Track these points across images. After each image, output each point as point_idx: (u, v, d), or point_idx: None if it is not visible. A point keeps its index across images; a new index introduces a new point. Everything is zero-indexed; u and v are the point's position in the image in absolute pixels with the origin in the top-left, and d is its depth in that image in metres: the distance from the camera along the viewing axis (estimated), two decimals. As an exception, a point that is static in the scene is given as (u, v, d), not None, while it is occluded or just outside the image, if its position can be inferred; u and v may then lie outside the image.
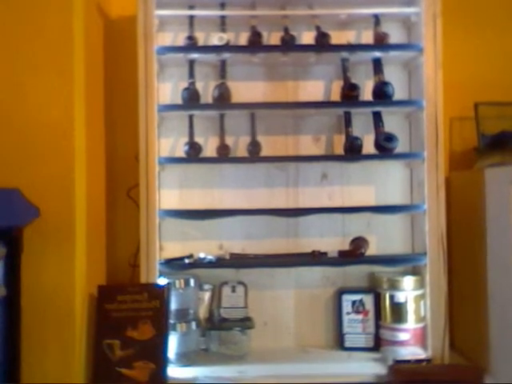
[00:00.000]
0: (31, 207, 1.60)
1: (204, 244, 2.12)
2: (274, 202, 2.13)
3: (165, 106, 2.04)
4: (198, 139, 2.09)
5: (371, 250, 2.09)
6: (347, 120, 2.09)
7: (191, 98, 2.03)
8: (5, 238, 1.54)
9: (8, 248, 1.55)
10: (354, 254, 1.98)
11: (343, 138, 2.11)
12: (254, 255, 2.07)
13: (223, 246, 2.14)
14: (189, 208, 2.09)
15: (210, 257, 2.00)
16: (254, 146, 2.06)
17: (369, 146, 2.07)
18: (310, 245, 2.11)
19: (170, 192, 2.12)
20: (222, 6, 2.08)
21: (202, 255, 2.02)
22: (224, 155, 2.05)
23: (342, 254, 2.00)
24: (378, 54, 2.05)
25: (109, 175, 2.14)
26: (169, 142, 2.14)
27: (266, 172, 2.16)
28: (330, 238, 2.15)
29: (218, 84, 2.05)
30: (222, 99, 2.03)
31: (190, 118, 2.08)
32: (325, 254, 2.01)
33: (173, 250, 2.09)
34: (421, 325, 2.01)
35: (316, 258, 2.01)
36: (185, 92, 2.03)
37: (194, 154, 2.03)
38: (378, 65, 2.06)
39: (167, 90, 2.13)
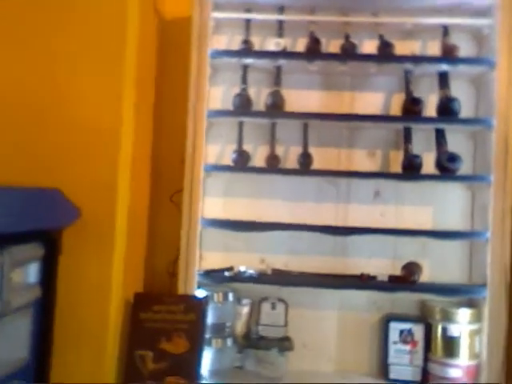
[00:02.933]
0: (72, 208, 1.55)
1: (245, 256, 2.03)
2: (322, 218, 2.02)
3: (215, 111, 1.97)
4: (247, 147, 2.00)
5: (424, 277, 1.94)
6: (407, 136, 1.96)
7: (242, 105, 1.95)
8: (43, 240, 1.50)
9: (46, 249, 1.51)
10: (406, 280, 1.84)
11: (400, 154, 1.98)
12: (299, 273, 1.96)
13: (265, 260, 2.04)
14: (232, 218, 2.01)
15: (251, 271, 1.91)
16: (305, 158, 1.96)
17: (428, 165, 1.93)
18: (357, 266, 1.99)
19: (214, 200, 2.05)
20: (281, 10, 1.99)
21: (242, 268, 1.93)
22: (273, 165, 1.95)
23: (392, 279, 1.86)
24: (445, 67, 1.91)
25: (154, 179, 2.08)
26: (216, 148, 2.07)
27: (316, 186, 2.05)
28: (379, 259, 2.02)
29: (272, 91, 1.96)
30: (275, 107, 1.94)
31: (240, 124, 2.01)
32: (374, 277, 1.88)
33: (213, 260, 2.01)
34: (474, 362, 1.85)
35: (364, 282, 1.87)
36: (236, 98, 1.96)
37: (241, 162, 1.95)
38: (444, 79, 1.92)
39: (218, 94, 2.06)
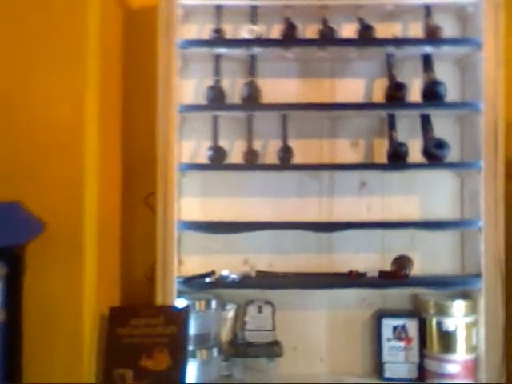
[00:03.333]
0: (35, 221, 1.41)
1: (227, 258, 1.92)
2: (305, 214, 1.92)
3: (187, 106, 1.84)
4: (223, 143, 1.88)
5: (415, 270, 1.85)
6: (391, 123, 1.86)
7: (216, 98, 1.82)
8: (5, 257, 1.36)
9: (8, 267, 1.37)
10: (397, 275, 1.76)
11: (385, 143, 1.88)
12: (283, 273, 1.86)
13: (248, 261, 1.93)
14: (211, 219, 1.89)
15: (233, 276, 1.79)
16: (285, 152, 1.84)
17: (414, 153, 1.83)
18: (345, 262, 1.89)
19: (191, 201, 1.92)
20: (253, -6, 1.86)
21: (225, 272, 1.81)
22: (251, 161, 1.83)
23: (383, 274, 1.77)
24: (428, 49, 1.81)
25: (126, 181, 1.94)
26: (190, 145, 1.94)
27: (298, 180, 1.94)
28: (367, 254, 1.93)
29: (247, 82, 1.83)
30: (251, 99, 1.82)
31: (215, 119, 1.88)
32: (363, 274, 1.78)
33: (193, 264, 1.89)
34: (472, 356, 1.77)
35: (353, 279, 1.78)
36: (209, 90, 1.82)
37: (217, 159, 1.82)
38: (428, 61, 1.83)
39: (190, 87, 1.93)
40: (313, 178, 1.94)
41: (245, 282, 1.80)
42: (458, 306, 1.78)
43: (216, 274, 1.80)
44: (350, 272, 1.78)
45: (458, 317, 1.78)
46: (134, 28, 2.00)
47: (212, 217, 1.90)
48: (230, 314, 1.87)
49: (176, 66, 1.75)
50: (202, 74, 1.92)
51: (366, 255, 1.93)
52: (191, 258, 1.91)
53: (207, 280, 1.76)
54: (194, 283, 1.77)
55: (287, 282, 1.83)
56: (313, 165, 1.87)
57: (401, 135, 1.85)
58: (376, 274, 1.80)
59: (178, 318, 1.60)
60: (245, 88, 1.82)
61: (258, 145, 1.89)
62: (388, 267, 1.83)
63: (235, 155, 1.90)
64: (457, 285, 1.83)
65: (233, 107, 1.86)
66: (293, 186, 1.94)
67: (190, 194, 1.92)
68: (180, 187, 1.82)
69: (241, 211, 1.91)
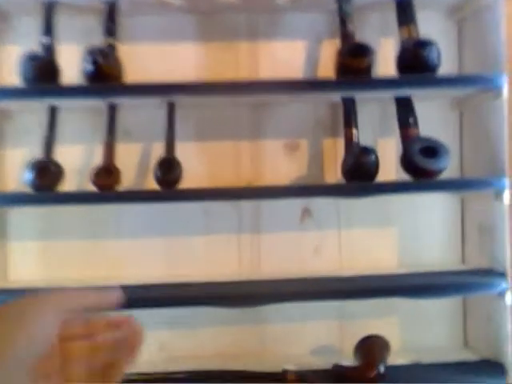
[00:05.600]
0: None
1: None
2: (216, 268, 1.17)
3: (6, 89, 1.06)
4: (62, 152, 1.10)
5: (394, 345, 1.11)
6: (349, 113, 1.11)
7: (43, 73, 1.03)
8: None
9: None
10: (364, 376, 1.02)
11: (339, 145, 1.15)
12: (186, 373, 1.10)
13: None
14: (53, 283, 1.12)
15: None
16: (171, 167, 1.07)
17: (387, 164, 1.11)
18: (279, 344, 1.16)
19: (25, 257, 1.15)
20: None
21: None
22: (106, 187, 1.05)
23: (339, 376, 1.03)
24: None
25: None
26: (18, 158, 1.16)
27: (203, 211, 1.18)
28: (315, 326, 1.20)
29: (100, 48, 1.05)
30: (108, 76, 1.04)
31: (51, 111, 1.09)
32: (304, 377, 1.03)
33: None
34: None
35: (290, 386, 1.03)
36: (30, 62, 1.03)
37: (44, 184, 1.03)
38: (405, 8, 1.08)
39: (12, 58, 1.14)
40: (225, 207, 1.19)
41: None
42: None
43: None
44: (284, 373, 1.03)
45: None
46: None
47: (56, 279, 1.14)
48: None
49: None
50: (28, 35, 1.13)
51: (313, 326, 1.20)
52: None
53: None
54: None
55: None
56: (222, 190, 1.10)
57: (365, 133, 1.12)
58: (326, 373, 1.06)
59: None
60: (97, 58, 1.03)
61: (121, 157, 1.12)
62: (348, 356, 1.09)
63: (77, 174, 1.13)
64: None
65: (76, 91, 1.06)
66: (193, 221, 1.19)
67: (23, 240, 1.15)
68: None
69: (104, 273, 1.15)
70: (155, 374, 1.05)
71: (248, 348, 1.19)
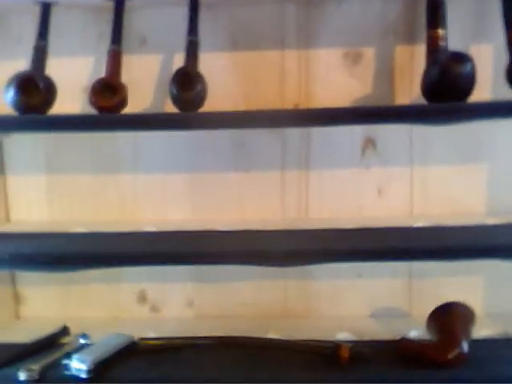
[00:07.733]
0: None
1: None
2: (253, 214, 0.95)
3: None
4: (55, 64, 0.86)
5: (477, 313, 0.87)
6: (434, 9, 0.81)
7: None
8: None
9: None
10: (444, 357, 0.78)
11: (420, 55, 0.86)
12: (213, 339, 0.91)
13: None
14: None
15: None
16: (188, 81, 0.80)
17: (480, 77, 0.81)
18: (329, 303, 0.94)
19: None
20: None
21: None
22: (108, 109, 0.80)
23: (408, 353, 0.79)
24: None
25: None
26: None
27: (232, 143, 0.94)
28: (376, 280, 0.96)
29: None
30: None
31: (45, 8, 0.85)
32: (365, 353, 0.80)
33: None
34: None
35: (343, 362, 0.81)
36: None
37: (29, 103, 0.80)
38: None
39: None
40: (265, 136, 0.94)
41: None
42: None
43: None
44: (337, 347, 0.81)
45: None
46: None
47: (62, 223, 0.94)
48: None
49: None
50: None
51: (372, 286, 0.97)
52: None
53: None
54: None
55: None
56: (259, 112, 0.84)
57: (452, 38, 0.81)
58: (390, 351, 0.83)
59: None
60: None
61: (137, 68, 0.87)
62: (418, 324, 0.85)
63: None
64: None
65: None
66: (223, 154, 0.95)
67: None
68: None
69: (114, 211, 0.95)
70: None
71: (290, 309, 0.98)
